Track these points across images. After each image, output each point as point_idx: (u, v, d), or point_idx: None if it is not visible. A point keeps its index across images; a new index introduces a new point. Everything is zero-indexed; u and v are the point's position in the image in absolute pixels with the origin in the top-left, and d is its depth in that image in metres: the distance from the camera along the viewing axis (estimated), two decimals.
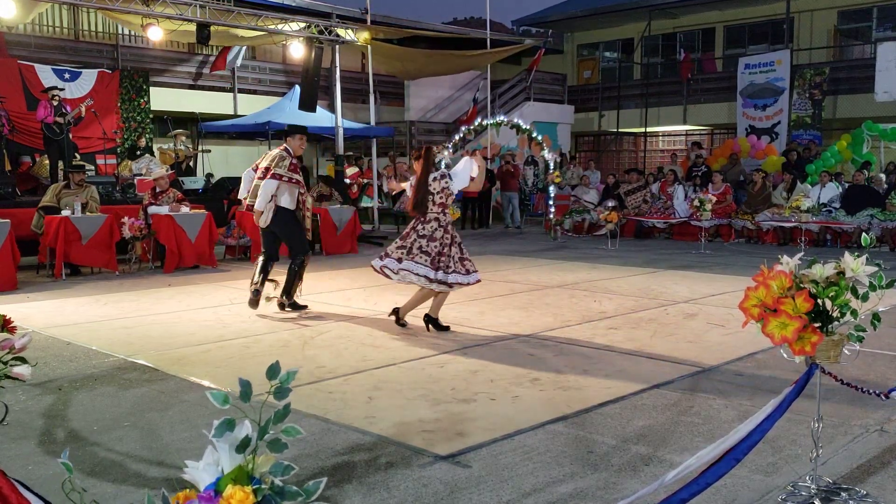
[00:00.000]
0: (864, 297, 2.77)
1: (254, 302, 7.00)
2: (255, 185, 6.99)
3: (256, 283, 7.03)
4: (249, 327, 6.41)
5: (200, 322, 6.64)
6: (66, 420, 4.03)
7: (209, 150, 16.52)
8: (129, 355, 5.40)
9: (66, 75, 15.34)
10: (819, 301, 2.74)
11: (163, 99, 17.33)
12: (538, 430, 3.79)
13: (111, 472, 3.29)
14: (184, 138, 15.68)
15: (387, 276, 6.19)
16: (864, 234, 3.03)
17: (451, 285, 6.02)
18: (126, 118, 16.30)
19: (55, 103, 12.37)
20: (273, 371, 1.56)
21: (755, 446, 2.66)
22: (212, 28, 13.53)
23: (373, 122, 17.86)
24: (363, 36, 15.96)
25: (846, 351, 2.86)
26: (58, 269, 9.39)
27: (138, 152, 14.93)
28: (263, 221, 6.95)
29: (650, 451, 3.49)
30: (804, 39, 20.57)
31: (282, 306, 7.14)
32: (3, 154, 12.63)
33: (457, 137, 14.84)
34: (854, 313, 2.77)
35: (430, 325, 6.22)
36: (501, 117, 15.33)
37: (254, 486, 1.45)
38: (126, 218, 10.05)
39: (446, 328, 6.24)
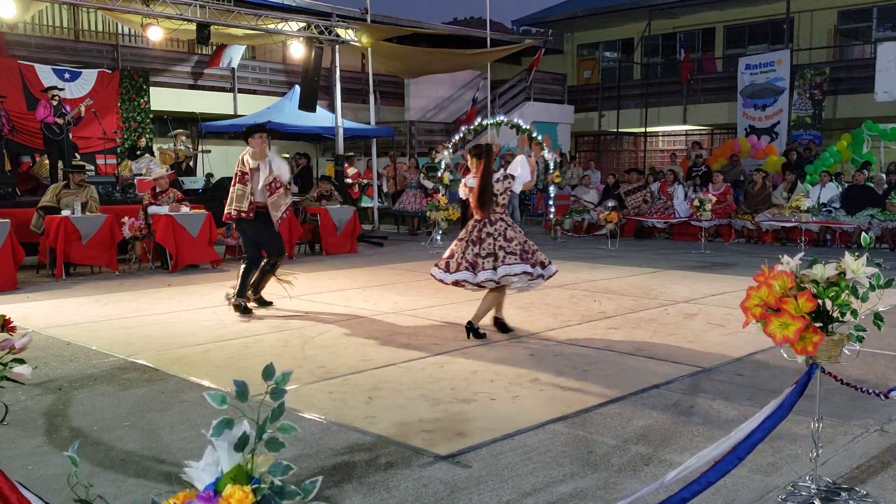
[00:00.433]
0: (864, 297, 2.77)
1: (240, 308, 7.03)
2: (232, 192, 7.08)
3: (230, 295, 7.20)
4: (249, 327, 6.41)
5: (200, 322, 6.64)
6: (66, 420, 4.03)
7: (209, 151, 16.51)
8: (129, 355, 5.39)
9: (66, 75, 15.34)
10: (820, 301, 2.74)
11: (163, 99, 17.33)
12: (538, 430, 3.79)
13: (111, 472, 3.29)
14: (184, 138, 15.67)
15: (480, 286, 5.84)
16: (864, 233, 3.03)
17: (545, 277, 5.94)
18: (126, 118, 16.30)
19: (55, 103, 12.37)
20: (269, 372, 1.57)
21: (757, 446, 2.66)
22: (212, 28, 13.53)
23: (373, 122, 17.86)
24: (364, 38, 15.96)
25: (846, 351, 2.86)
26: (58, 269, 9.39)
27: (138, 152, 14.93)
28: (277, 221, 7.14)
29: (650, 450, 3.49)
30: (804, 39, 20.57)
31: (248, 299, 7.24)
32: (3, 154, 12.63)
33: (457, 137, 14.83)
34: (854, 313, 2.77)
35: (500, 328, 6.09)
36: (501, 117, 15.31)
37: (253, 486, 1.45)
38: (126, 218, 10.05)
39: (512, 329, 6.14)
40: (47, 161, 12.90)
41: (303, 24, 14.95)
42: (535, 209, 19.51)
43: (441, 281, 5.97)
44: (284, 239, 11.15)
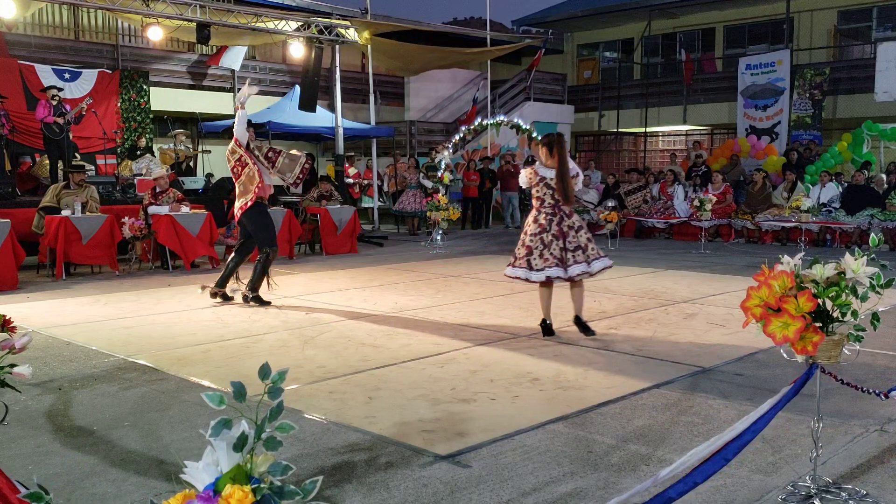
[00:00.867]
0: (864, 297, 2.77)
1: (214, 295, 7.46)
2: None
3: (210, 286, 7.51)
4: (249, 327, 6.41)
5: (200, 322, 6.64)
6: (66, 420, 4.03)
7: (209, 151, 16.51)
8: (129, 355, 5.39)
9: (66, 75, 15.34)
10: (820, 301, 2.74)
11: (163, 99, 17.33)
12: (538, 430, 3.79)
13: (111, 472, 3.29)
14: (183, 138, 15.67)
15: (572, 280, 5.78)
16: (872, 234, 3.04)
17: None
18: (126, 118, 16.29)
19: (54, 103, 12.37)
20: (265, 371, 1.57)
21: (752, 445, 2.67)
22: (212, 28, 13.53)
23: (373, 122, 17.86)
24: (364, 35, 15.95)
25: (846, 351, 2.86)
26: (58, 269, 9.39)
27: (138, 152, 14.92)
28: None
29: (650, 450, 3.49)
30: (804, 39, 20.57)
31: (245, 298, 7.46)
32: (3, 154, 12.63)
33: (457, 137, 14.84)
34: (854, 313, 2.77)
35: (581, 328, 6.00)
36: (501, 117, 15.32)
37: (252, 486, 1.45)
38: (126, 218, 10.05)
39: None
40: (47, 161, 12.89)
41: (303, 24, 14.94)
42: None
43: (526, 280, 5.83)
44: (284, 239, 11.27)
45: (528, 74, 21.81)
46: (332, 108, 16.57)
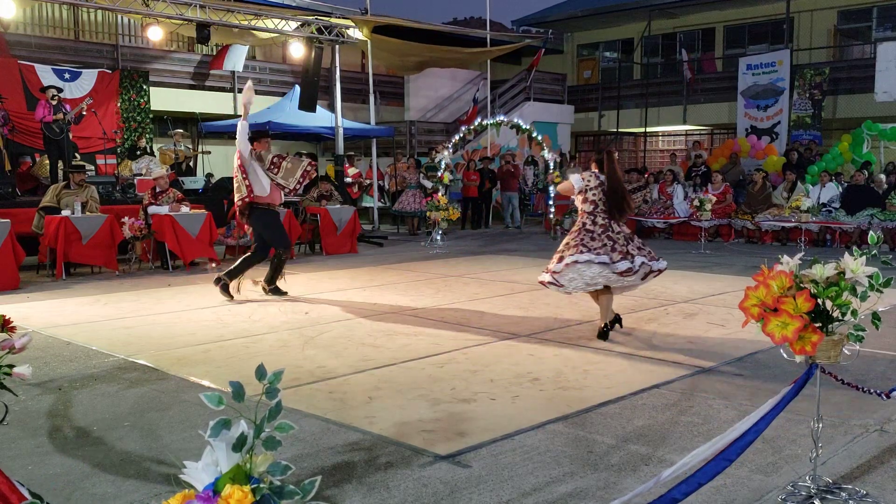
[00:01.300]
0: (864, 297, 2.77)
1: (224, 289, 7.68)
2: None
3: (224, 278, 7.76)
4: (249, 327, 6.41)
5: (200, 322, 6.64)
6: (66, 420, 4.03)
7: (209, 152, 16.51)
8: (129, 355, 5.39)
9: (66, 75, 15.33)
10: (819, 301, 2.74)
11: (163, 99, 17.33)
12: (538, 430, 3.79)
13: (111, 472, 3.29)
14: (180, 139, 15.66)
15: (622, 276, 5.75)
16: (871, 232, 3.04)
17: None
18: (126, 118, 16.29)
19: (54, 103, 12.37)
20: (261, 372, 1.58)
21: (752, 445, 2.66)
22: (213, 27, 13.53)
23: (373, 122, 17.86)
24: (364, 30, 15.94)
25: (846, 351, 2.86)
26: (58, 269, 9.39)
27: (138, 152, 14.92)
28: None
29: (650, 450, 3.49)
30: (804, 39, 20.57)
31: (264, 290, 7.89)
32: (3, 154, 12.62)
33: (457, 137, 14.84)
34: (854, 313, 2.77)
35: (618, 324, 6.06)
36: (501, 117, 15.32)
37: (252, 486, 1.45)
38: (126, 218, 10.05)
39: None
40: (47, 161, 12.89)
41: (303, 23, 14.93)
42: (536, 209, 19.51)
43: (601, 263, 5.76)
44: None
45: (528, 74, 21.82)
46: (332, 108, 16.57)
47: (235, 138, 7.78)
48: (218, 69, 18.56)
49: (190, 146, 16.27)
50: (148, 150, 15.12)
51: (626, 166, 21.35)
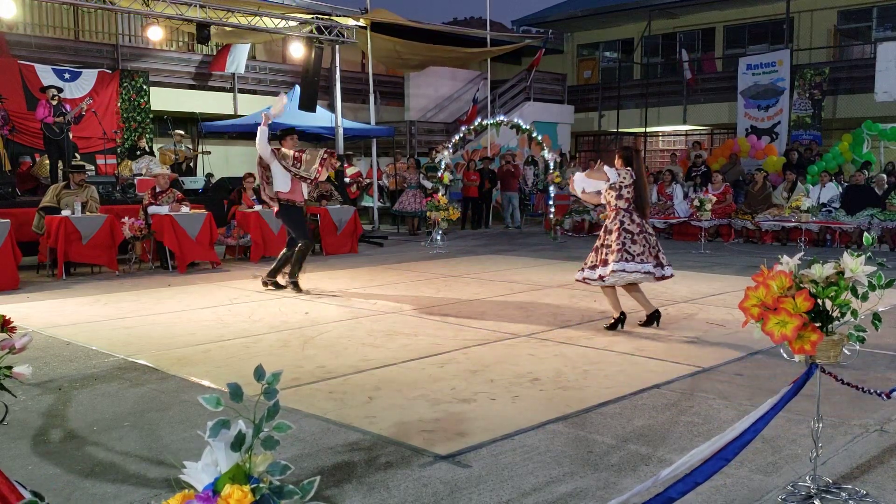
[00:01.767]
0: (864, 297, 2.76)
1: (266, 284, 8.29)
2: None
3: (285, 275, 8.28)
4: (249, 327, 6.41)
5: (200, 322, 6.64)
6: (66, 420, 4.03)
7: (209, 152, 16.51)
8: (129, 355, 5.39)
9: (66, 75, 15.33)
10: (819, 301, 2.74)
11: (163, 99, 17.32)
12: (538, 430, 3.79)
13: (111, 472, 3.29)
14: (180, 138, 15.66)
15: (660, 278, 6.17)
16: (865, 234, 3.03)
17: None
18: (126, 118, 16.28)
19: (54, 103, 12.37)
20: (259, 373, 1.59)
21: (752, 445, 2.66)
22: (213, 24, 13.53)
23: (373, 123, 17.86)
24: (363, 21, 15.94)
25: (846, 351, 2.86)
26: (59, 269, 9.39)
27: (138, 152, 14.92)
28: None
29: (650, 450, 3.49)
30: (804, 39, 20.57)
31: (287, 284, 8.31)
32: (3, 154, 12.62)
33: (457, 137, 14.84)
34: (854, 313, 2.77)
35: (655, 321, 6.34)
36: (501, 117, 15.32)
37: (252, 486, 1.45)
38: (126, 218, 10.04)
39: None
40: (47, 161, 12.90)
41: (303, 22, 14.93)
42: (536, 209, 19.51)
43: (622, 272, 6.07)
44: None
45: (528, 74, 21.82)
46: (332, 108, 16.57)
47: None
48: (220, 71, 18.56)
49: (190, 146, 16.27)
50: (148, 150, 15.12)
51: None
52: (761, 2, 20.73)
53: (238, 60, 18.36)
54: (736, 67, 19.90)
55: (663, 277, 6.15)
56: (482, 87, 20.59)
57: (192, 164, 15.71)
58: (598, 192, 6.39)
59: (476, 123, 14.89)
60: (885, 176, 13.98)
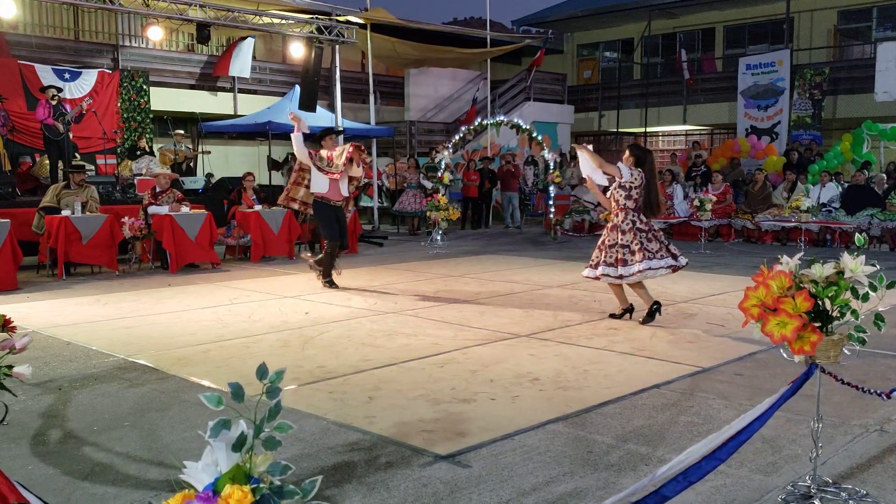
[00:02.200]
0: (865, 298, 2.76)
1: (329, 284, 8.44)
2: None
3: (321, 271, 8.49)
4: (249, 327, 6.41)
5: (200, 322, 6.64)
6: (66, 420, 4.03)
7: (209, 152, 16.50)
8: (129, 355, 5.39)
9: (66, 75, 15.33)
10: (819, 301, 2.73)
11: (163, 99, 17.32)
12: (538, 430, 3.79)
13: (111, 473, 3.29)
14: (181, 138, 15.66)
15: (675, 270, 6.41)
16: (857, 235, 3.03)
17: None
18: (126, 118, 16.28)
19: (54, 103, 12.36)
20: (262, 371, 1.58)
21: (752, 445, 2.66)
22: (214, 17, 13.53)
23: (373, 123, 17.86)
24: (363, 20, 15.95)
25: (846, 351, 2.86)
26: (59, 269, 9.39)
27: (138, 152, 14.92)
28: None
29: (650, 450, 3.49)
30: (804, 39, 20.57)
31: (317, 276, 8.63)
32: (3, 154, 12.62)
33: (457, 137, 14.84)
34: (854, 313, 2.77)
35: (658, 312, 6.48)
36: (501, 117, 15.32)
37: (252, 486, 1.45)
38: (126, 218, 10.04)
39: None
40: (47, 161, 12.89)
41: (303, 22, 14.92)
42: (536, 209, 19.52)
43: (624, 276, 6.32)
44: (284, 239, 11.28)
45: (528, 74, 21.82)
46: (332, 108, 16.57)
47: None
48: (223, 74, 18.57)
49: (190, 146, 16.27)
50: (148, 150, 15.12)
51: None
52: (761, 2, 20.73)
53: (242, 64, 18.35)
54: (736, 67, 19.90)
55: (680, 267, 6.41)
56: (482, 87, 20.59)
57: (192, 164, 15.70)
58: (603, 188, 6.56)
59: (476, 123, 14.90)
60: (884, 176, 13.99)
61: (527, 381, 4.67)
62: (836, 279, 2.75)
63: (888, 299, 2.83)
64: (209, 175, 15.58)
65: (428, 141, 20.21)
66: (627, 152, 6.54)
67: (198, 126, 17.03)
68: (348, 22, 15.64)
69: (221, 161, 17.67)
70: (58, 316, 6.98)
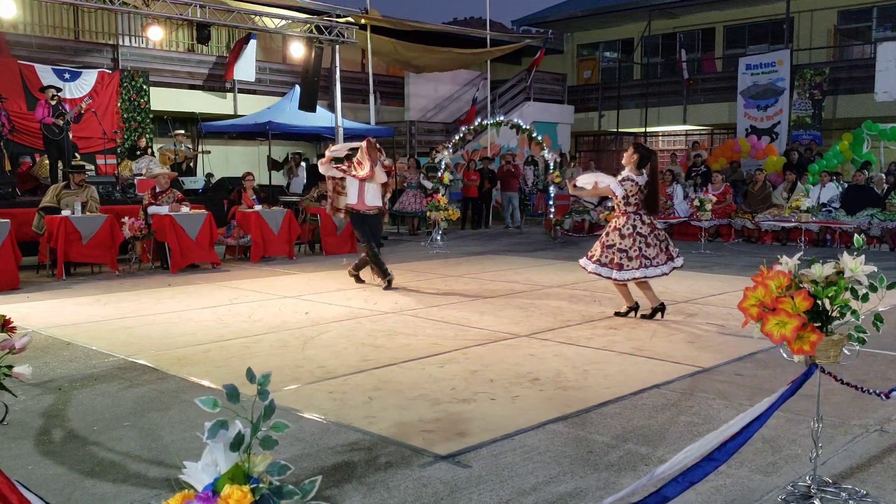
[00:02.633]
0: (865, 298, 2.76)
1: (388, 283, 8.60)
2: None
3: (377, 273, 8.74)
4: (249, 327, 6.41)
5: (200, 322, 6.64)
6: (66, 420, 4.03)
7: (209, 152, 16.50)
8: (129, 355, 5.39)
9: (66, 75, 15.33)
10: (818, 301, 2.73)
11: (163, 99, 17.33)
12: (538, 430, 3.79)
13: (111, 472, 3.29)
14: (181, 138, 15.66)
15: (661, 274, 6.48)
16: (856, 235, 3.03)
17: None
18: (126, 118, 16.29)
19: (53, 103, 12.36)
20: (251, 375, 1.62)
21: (752, 445, 2.66)
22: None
23: (373, 123, 17.86)
24: (363, 22, 15.95)
25: (846, 351, 2.86)
26: (59, 269, 9.39)
27: (138, 152, 14.92)
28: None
29: (649, 450, 3.49)
30: (804, 39, 20.57)
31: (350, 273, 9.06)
32: (3, 154, 12.62)
33: (457, 137, 14.84)
34: (854, 313, 2.77)
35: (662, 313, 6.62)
36: (501, 117, 15.33)
37: (251, 486, 1.45)
38: (126, 218, 10.05)
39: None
40: (47, 161, 12.89)
41: (302, 22, 14.93)
42: (536, 209, 19.52)
43: (624, 280, 6.47)
44: (283, 239, 11.29)
45: (529, 74, 21.82)
46: (332, 107, 16.57)
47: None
48: (228, 79, 18.57)
49: (190, 146, 16.27)
50: (148, 151, 15.13)
51: None
52: (761, 2, 20.73)
53: (247, 69, 18.34)
54: (736, 67, 19.90)
55: (676, 267, 6.54)
56: (482, 87, 20.59)
57: (192, 164, 15.71)
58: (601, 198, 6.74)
59: (476, 123, 14.89)
60: (883, 176, 13.99)
61: (527, 381, 4.67)
62: (835, 279, 2.75)
63: (888, 299, 2.83)
64: (209, 175, 15.58)
65: (428, 141, 20.21)
66: (631, 149, 6.57)
67: (198, 126, 17.03)
68: (348, 22, 15.64)
69: (221, 161, 17.67)
70: (58, 316, 6.98)
